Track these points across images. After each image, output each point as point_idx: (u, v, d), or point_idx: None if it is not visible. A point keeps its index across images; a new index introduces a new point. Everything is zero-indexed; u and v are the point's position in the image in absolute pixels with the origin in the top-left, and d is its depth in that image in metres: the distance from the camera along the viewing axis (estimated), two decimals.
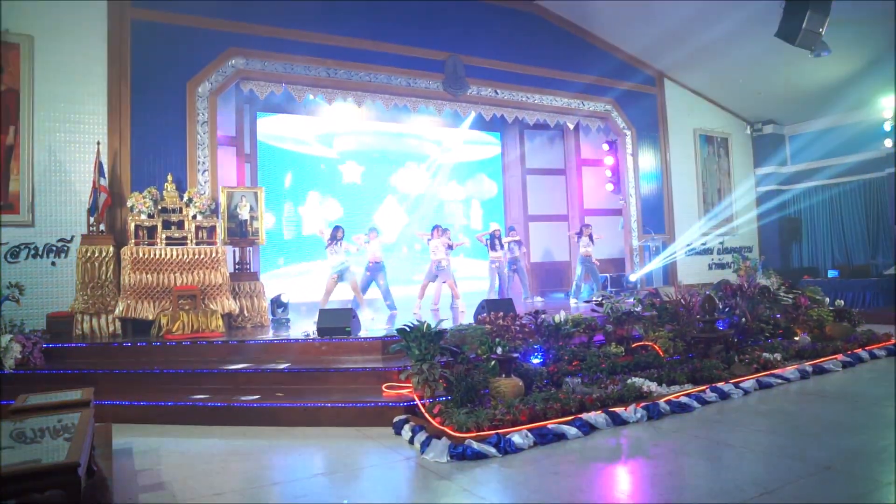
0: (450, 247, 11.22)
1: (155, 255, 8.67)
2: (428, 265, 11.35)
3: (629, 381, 6.36)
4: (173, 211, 9.11)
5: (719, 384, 6.63)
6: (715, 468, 4.43)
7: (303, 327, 8.20)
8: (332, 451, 5.22)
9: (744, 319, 8.67)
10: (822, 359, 7.94)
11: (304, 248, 12.80)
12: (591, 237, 12.76)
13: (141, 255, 8.59)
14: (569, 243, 15.05)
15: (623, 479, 4.47)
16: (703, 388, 6.52)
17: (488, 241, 12.13)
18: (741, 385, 6.72)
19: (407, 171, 14.23)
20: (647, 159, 14.63)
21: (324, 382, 6.63)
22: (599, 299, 8.73)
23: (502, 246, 12.12)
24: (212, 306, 8.71)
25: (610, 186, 15.13)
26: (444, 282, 11.18)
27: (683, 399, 6.16)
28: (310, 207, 13.01)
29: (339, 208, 13.27)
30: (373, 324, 9.20)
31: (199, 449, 5.35)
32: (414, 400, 5.81)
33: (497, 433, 5.01)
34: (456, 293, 11.39)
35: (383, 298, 11.02)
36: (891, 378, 7.16)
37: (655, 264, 14.00)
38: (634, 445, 5.13)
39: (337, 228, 10.46)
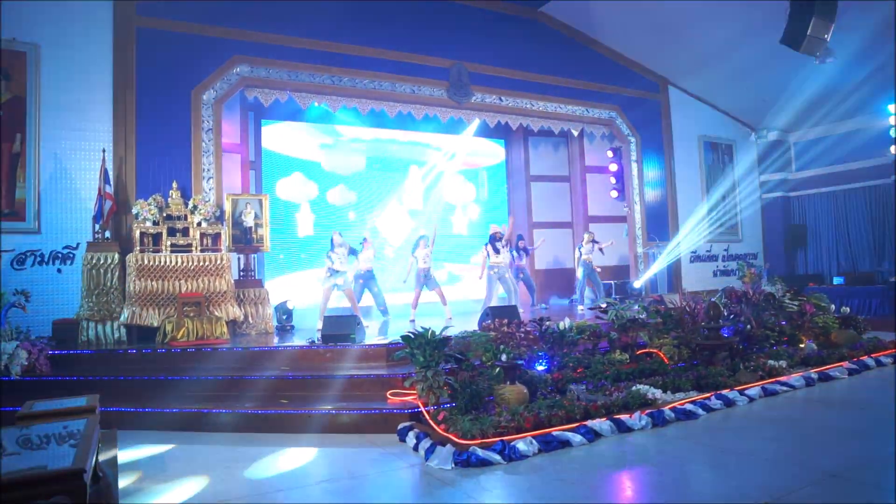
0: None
1: (160, 262, 8.70)
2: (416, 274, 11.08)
3: (634, 388, 6.36)
4: (178, 218, 9.13)
5: (724, 391, 6.61)
6: (720, 475, 4.42)
7: (307, 334, 8.21)
8: (337, 457, 5.22)
9: (749, 326, 8.65)
10: (828, 366, 7.90)
11: (308, 256, 12.80)
12: (592, 242, 12.76)
13: (146, 262, 8.62)
14: (574, 250, 15.02)
15: (628, 486, 4.46)
16: (708, 395, 6.50)
17: (490, 246, 11.56)
18: (746, 392, 6.69)
19: (411, 179, 14.24)
20: (652, 166, 14.61)
21: (328, 389, 6.62)
22: (604, 306, 8.72)
23: (504, 248, 11.58)
24: (216, 313, 8.72)
25: (614, 193, 15.12)
26: (432, 289, 11.08)
27: (688, 406, 6.14)
28: (314, 214, 13.03)
29: (343, 215, 13.28)
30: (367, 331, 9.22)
31: (204, 455, 5.35)
32: (418, 407, 5.81)
33: (501, 440, 5.01)
34: (444, 300, 11.25)
35: (377, 305, 10.99)
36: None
37: (657, 267, 13.96)
38: (639, 453, 5.12)
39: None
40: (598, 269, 12.72)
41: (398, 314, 11.16)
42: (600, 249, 12.60)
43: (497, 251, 11.43)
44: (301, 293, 11.67)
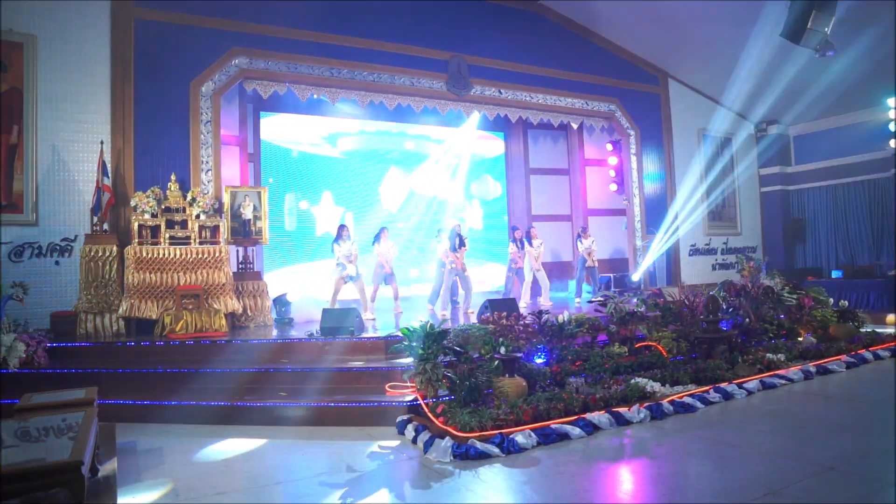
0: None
1: (158, 254, 8.67)
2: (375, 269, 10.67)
3: (632, 381, 6.36)
4: (177, 210, 9.11)
5: (723, 385, 6.62)
6: (718, 469, 4.42)
7: (307, 327, 8.20)
8: (335, 450, 5.22)
9: (747, 320, 8.66)
10: (826, 359, 7.92)
11: (307, 248, 12.79)
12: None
13: (144, 254, 8.59)
14: (572, 243, 15.03)
15: (626, 479, 4.46)
16: (707, 388, 6.51)
17: (449, 240, 10.82)
18: (745, 386, 6.71)
19: (410, 172, 14.21)
20: (651, 159, 14.60)
21: (327, 382, 6.63)
22: (602, 299, 8.72)
23: (463, 244, 10.84)
24: (215, 306, 8.71)
25: (613, 186, 15.11)
26: (388, 284, 10.71)
27: (687, 399, 6.15)
28: (313, 206, 13.00)
29: (342, 208, 13.26)
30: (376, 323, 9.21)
31: (202, 448, 5.36)
32: (417, 400, 5.81)
33: (500, 433, 5.01)
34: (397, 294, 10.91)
35: (465, 295, 10.93)
36: (894, 378, 7.15)
37: (650, 259, 13.95)
38: (638, 446, 5.13)
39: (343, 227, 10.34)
40: (595, 263, 12.71)
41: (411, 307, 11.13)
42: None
43: (454, 248, 10.74)
44: (301, 286, 11.65)
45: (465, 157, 14.74)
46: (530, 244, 11.82)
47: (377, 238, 10.58)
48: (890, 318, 10.78)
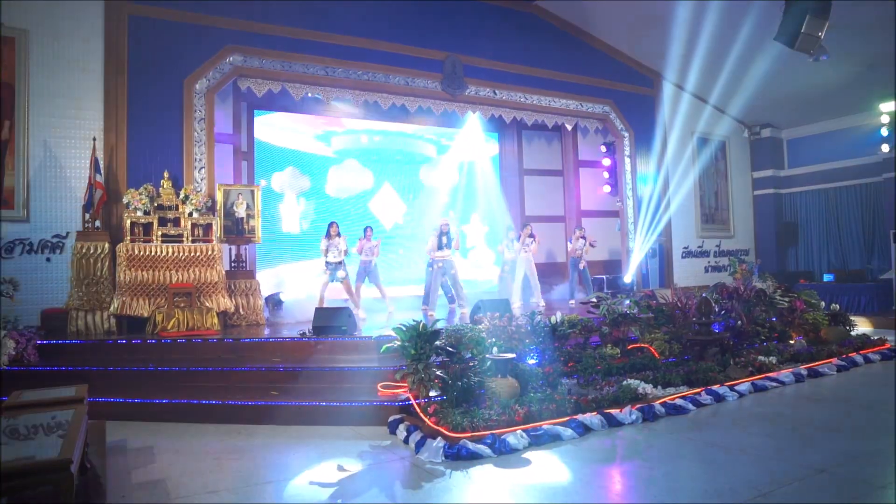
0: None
1: (150, 252, 8.64)
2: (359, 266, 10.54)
3: (624, 382, 6.37)
4: (169, 208, 9.07)
5: (714, 387, 6.64)
6: (709, 470, 4.43)
7: (299, 326, 8.17)
8: (327, 450, 5.21)
9: (739, 322, 8.68)
10: (817, 362, 7.96)
11: (300, 247, 12.76)
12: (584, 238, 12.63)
13: (136, 251, 8.55)
14: (566, 244, 15.02)
15: (617, 480, 4.47)
16: (699, 390, 6.53)
17: (436, 239, 10.57)
18: (736, 388, 6.73)
19: (404, 171, 14.20)
20: (645, 162, 14.63)
21: (319, 381, 6.62)
22: (595, 301, 8.72)
23: (449, 244, 10.52)
24: (207, 304, 8.68)
25: (607, 188, 15.12)
26: (373, 283, 10.67)
27: (678, 401, 6.16)
28: (306, 206, 12.98)
29: (336, 207, 13.23)
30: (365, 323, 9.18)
31: (193, 447, 5.33)
32: (409, 399, 5.80)
33: (492, 433, 5.02)
34: (384, 293, 10.85)
35: (456, 294, 10.82)
36: (884, 381, 7.19)
37: (637, 259, 13.97)
38: (629, 447, 5.13)
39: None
40: (585, 265, 12.60)
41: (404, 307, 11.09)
42: (591, 244, 12.49)
43: (441, 246, 10.51)
44: (294, 285, 11.62)
45: (459, 157, 14.74)
46: (522, 241, 11.74)
47: (362, 235, 10.57)
48: None
